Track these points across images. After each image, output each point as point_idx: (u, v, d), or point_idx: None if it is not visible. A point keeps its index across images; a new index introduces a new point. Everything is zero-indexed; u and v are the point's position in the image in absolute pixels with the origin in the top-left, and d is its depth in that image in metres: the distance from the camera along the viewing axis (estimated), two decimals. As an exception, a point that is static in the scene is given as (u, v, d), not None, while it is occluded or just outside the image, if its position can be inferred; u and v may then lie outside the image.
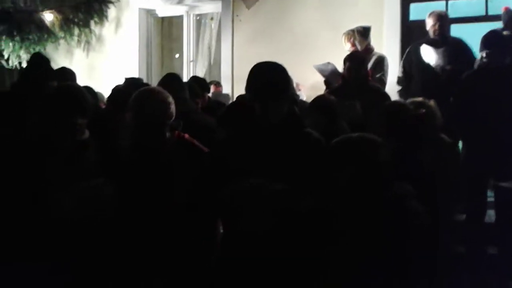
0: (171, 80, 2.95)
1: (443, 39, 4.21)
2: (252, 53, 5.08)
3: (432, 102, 2.99)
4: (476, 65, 3.66)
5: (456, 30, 4.45)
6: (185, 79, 5.10)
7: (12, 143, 2.10)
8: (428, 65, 4.20)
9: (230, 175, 2.04)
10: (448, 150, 2.96)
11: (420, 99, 3.03)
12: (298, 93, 4.66)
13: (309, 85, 5.05)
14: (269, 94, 2.15)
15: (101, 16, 6.21)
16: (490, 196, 3.73)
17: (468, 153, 3.65)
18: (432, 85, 4.01)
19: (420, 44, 4.30)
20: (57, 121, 2.21)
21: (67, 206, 2.01)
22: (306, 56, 5.02)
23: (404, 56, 4.51)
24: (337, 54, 4.43)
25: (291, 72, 2.28)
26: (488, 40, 3.60)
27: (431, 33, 4.25)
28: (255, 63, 2.25)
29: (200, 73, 6.19)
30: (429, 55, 4.22)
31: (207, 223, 2.26)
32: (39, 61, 2.97)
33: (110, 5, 6.20)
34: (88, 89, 3.23)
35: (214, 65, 6.41)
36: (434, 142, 2.85)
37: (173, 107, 2.30)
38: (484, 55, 3.54)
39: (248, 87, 2.22)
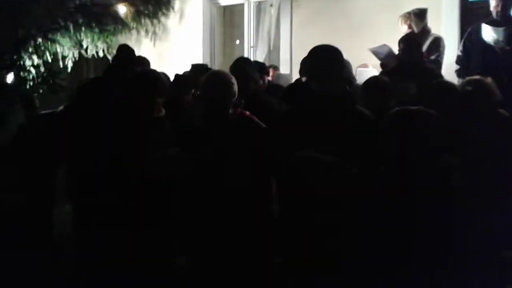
0: (243, 63, 3.28)
1: (505, 20, 4.14)
2: (310, 37, 5.20)
3: (489, 80, 3.06)
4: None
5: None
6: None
7: (102, 118, 2.50)
8: (488, 45, 4.16)
9: (288, 146, 2.31)
10: (506, 124, 2.97)
11: (477, 77, 3.12)
12: (367, 70, 4.75)
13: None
14: (325, 75, 2.39)
15: (168, 7, 6.67)
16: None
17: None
18: (491, 65, 3.95)
19: (482, 24, 4.24)
20: (138, 99, 2.59)
21: (156, 167, 2.42)
22: (363, 39, 5.07)
23: (465, 35, 4.44)
24: (394, 36, 4.50)
25: (348, 55, 2.49)
26: None
27: (494, 14, 4.18)
28: (312, 46, 2.48)
29: (260, 59, 6.40)
30: (490, 34, 4.18)
31: (265, 188, 2.56)
32: (127, 51, 3.45)
33: (176, -3, 6.63)
34: (164, 74, 3.66)
35: (274, 50, 6.63)
36: (491, 117, 2.94)
37: (235, 87, 2.58)
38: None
39: (306, 69, 2.47)
